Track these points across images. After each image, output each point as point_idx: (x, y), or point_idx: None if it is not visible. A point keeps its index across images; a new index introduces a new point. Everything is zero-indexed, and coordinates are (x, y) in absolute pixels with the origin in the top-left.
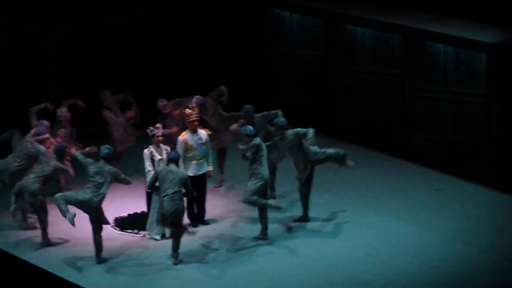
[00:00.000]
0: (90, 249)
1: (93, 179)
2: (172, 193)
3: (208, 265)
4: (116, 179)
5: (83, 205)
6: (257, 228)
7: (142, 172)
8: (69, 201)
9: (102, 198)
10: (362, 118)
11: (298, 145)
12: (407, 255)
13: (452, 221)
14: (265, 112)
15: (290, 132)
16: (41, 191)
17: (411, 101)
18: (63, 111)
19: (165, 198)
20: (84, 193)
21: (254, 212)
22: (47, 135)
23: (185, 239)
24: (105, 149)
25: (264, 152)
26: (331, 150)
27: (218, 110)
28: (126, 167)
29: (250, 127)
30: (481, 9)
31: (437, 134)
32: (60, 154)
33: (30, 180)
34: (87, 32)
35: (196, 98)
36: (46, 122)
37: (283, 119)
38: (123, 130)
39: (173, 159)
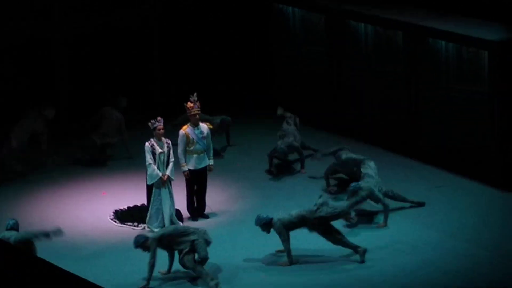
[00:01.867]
0: (89, 240)
1: None
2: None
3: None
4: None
5: None
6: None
7: (143, 165)
8: None
9: None
10: (369, 116)
11: None
12: (406, 252)
13: (453, 218)
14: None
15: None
16: None
17: (415, 99)
18: None
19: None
20: None
21: (254, 207)
22: None
23: None
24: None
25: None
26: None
27: None
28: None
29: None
30: (484, 6)
31: (440, 132)
32: None
33: None
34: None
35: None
36: None
37: None
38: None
39: None
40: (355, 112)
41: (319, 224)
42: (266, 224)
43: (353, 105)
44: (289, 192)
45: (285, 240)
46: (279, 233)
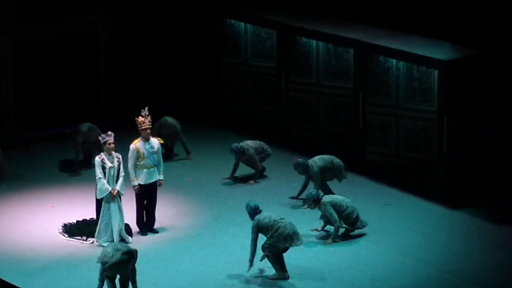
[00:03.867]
0: (36, 253)
1: None
2: None
3: (159, 273)
4: None
5: None
6: (202, 237)
7: (93, 178)
8: None
9: None
10: (317, 131)
11: None
12: (355, 269)
13: (401, 236)
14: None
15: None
16: None
17: (363, 115)
18: None
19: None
20: None
21: (204, 222)
22: None
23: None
24: None
25: None
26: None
27: None
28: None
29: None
30: (434, 26)
31: (390, 149)
32: None
33: None
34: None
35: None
36: None
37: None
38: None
39: None
40: (303, 127)
41: None
42: (315, 200)
43: (301, 119)
44: (239, 207)
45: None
46: (330, 213)
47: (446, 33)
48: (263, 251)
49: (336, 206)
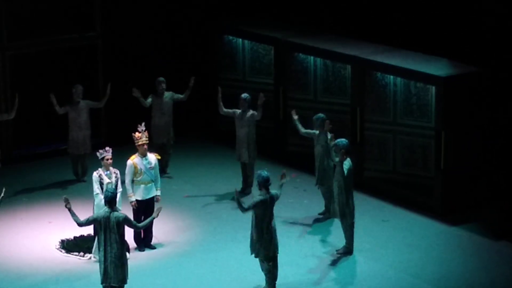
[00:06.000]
0: (34, 269)
1: None
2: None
3: None
4: None
5: None
6: (199, 253)
7: (90, 194)
8: None
9: None
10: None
11: None
12: (351, 284)
13: (398, 252)
14: None
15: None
16: None
17: (361, 131)
18: None
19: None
20: None
21: (201, 237)
22: None
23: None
24: None
25: None
26: None
27: None
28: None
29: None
30: (432, 42)
31: (387, 165)
32: None
33: None
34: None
35: None
36: None
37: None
38: None
39: None
40: (301, 143)
41: None
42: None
43: (299, 135)
44: (236, 223)
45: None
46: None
47: (443, 49)
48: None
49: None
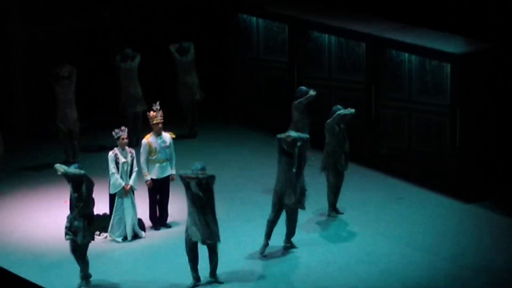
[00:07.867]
0: (50, 248)
1: None
2: None
3: (172, 267)
4: None
5: None
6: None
7: (106, 174)
8: None
9: None
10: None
11: None
12: (366, 262)
13: (412, 230)
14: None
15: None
16: None
17: (376, 109)
18: None
19: None
20: None
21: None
22: None
23: (145, 243)
24: None
25: None
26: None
27: None
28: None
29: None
30: (447, 19)
31: (402, 143)
32: None
33: None
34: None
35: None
36: None
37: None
38: None
39: None
40: (314, 121)
41: None
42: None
43: (313, 113)
44: (249, 203)
45: None
46: None
47: (459, 27)
48: None
49: None
